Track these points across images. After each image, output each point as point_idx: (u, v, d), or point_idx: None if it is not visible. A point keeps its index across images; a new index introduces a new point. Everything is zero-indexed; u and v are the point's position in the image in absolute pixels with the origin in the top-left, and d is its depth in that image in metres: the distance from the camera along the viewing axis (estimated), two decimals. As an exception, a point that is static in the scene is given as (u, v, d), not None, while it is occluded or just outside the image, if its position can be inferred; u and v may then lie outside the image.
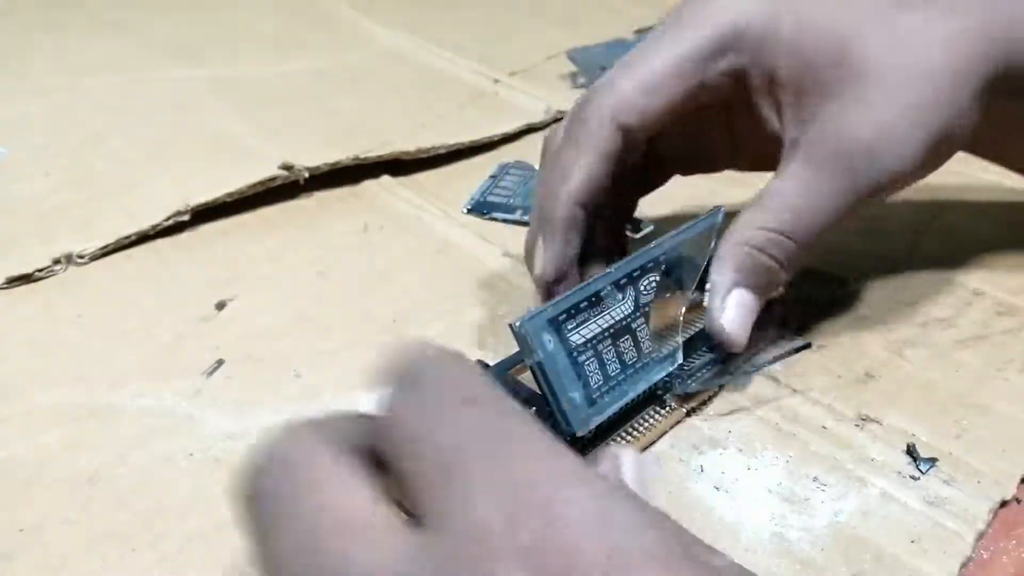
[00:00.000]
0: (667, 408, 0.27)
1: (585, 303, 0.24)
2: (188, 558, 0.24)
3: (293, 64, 0.58)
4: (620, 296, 0.25)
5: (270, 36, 0.63)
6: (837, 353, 0.31)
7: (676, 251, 0.27)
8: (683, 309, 0.28)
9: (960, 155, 0.46)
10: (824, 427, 0.28)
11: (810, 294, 0.33)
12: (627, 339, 0.25)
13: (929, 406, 0.29)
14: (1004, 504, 0.25)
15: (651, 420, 0.27)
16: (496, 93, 0.53)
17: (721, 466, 0.27)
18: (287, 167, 0.41)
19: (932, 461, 0.26)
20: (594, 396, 0.24)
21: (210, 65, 0.57)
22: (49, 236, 0.38)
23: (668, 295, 0.28)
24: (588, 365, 0.24)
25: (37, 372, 0.31)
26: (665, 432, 0.27)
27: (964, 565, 0.24)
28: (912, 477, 0.26)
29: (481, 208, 0.41)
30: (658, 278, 0.27)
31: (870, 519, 0.25)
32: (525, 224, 0.40)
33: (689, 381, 0.28)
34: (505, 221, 0.40)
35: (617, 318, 0.25)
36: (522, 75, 0.56)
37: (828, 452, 0.27)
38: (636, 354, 0.26)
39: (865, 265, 0.37)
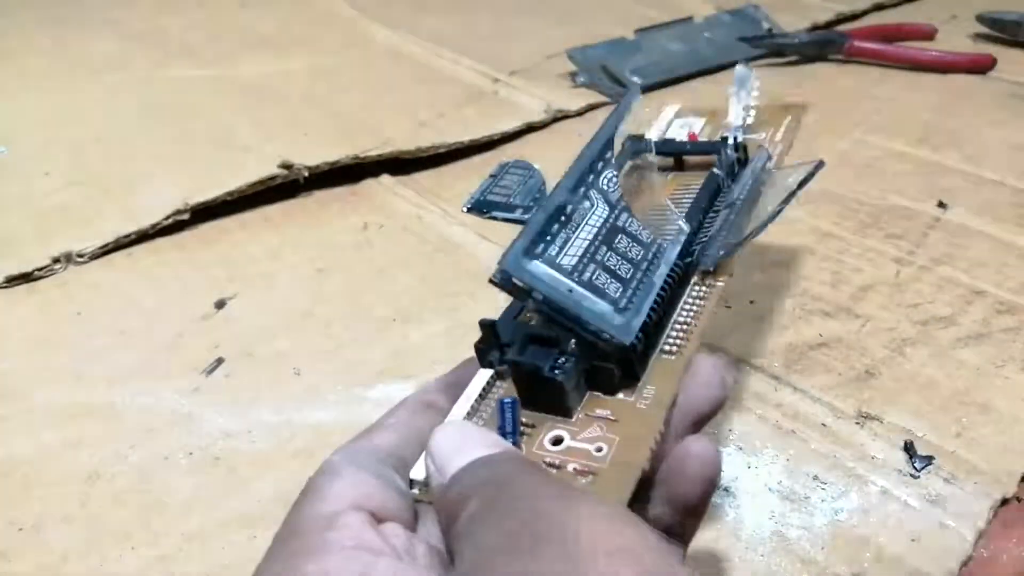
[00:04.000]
0: (703, 288, 0.23)
1: (555, 224, 0.21)
2: (187, 556, 0.24)
3: (293, 64, 0.58)
4: (588, 204, 0.22)
5: (270, 36, 0.63)
6: (838, 351, 0.31)
7: (613, 136, 0.24)
8: (661, 185, 0.26)
9: (960, 154, 0.46)
10: (824, 425, 0.28)
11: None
12: (621, 238, 0.22)
13: (929, 404, 0.29)
14: (1004, 502, 0.25)
15: (693, 309, 0.23)
16: (496, 92, 0.53)
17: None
18: (287, 166, 0.41)
19: (929, 459, 0.26)
20: (621, 303, 0.21)
21: (210, 65, 0.57)
22: (49, 235, 0.38)
23: (637, 178, 0.26)
24: (596, 278, 0.21)
25: (37, 371, 0.31)
26: (713, 314, 0.23)
27: (964, 564, 0.23)
28: (912, 475, 0.26)
29: (481, 207, 0.41)
30: (615, 171, 0.24)
31: (870, 517, 0.25)
32: (524, 223, 0.40)
33: (715, 251, 0.24)
34: (505, 220, 0.40)
35: (598, 224, 0.22)
36: (522, 75, 0.56)
37: (828, 450, 0.27)
38: (640, 247, 0.23)
39: (867, 263, 0.37)
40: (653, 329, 0.21)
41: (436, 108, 0.50)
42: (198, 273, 0.36)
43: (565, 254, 0.21)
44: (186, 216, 0.39)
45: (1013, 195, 0.42)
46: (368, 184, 0.43)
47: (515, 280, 0.20)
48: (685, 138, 0.30)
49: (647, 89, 0.55)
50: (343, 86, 0.54)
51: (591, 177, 0.23)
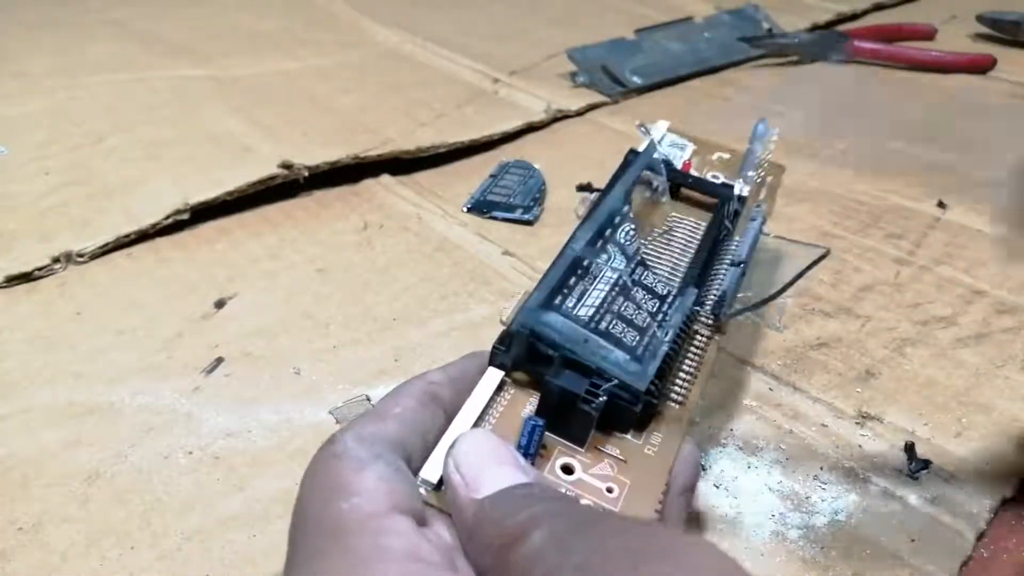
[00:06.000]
0: (705, 339, 0.24)
1: (573, 277, 0.22)
2: (187, 556, 0.24)
3: (293, 63, 0.58)
4: (605, 256, 0.23)
5: (270, 36, 0.63)
6: (838, 351, 0.31)
7: (631, 190, 0.25)
8: (666, 211, 0.27)
9: (960, 154, 0.46)
10: (824, 425, 0.28)
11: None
12: (637, 290, 0.23)
13: (930, 404, 0.29)
14: (1004, 502, 0.25)
15: (698, 358, 0.24)
16: (496, 92, 0.53)
17: (722, 464, 0.27)
18: (287, 166, 0.41)
19: (926, 464, 0.26)
20: (638, 351, 0.21)
21: (210, 65, 0.57)
22: (49, 235, 0.38)
23: (643, 197, 0.27)
24: (613, 327, 0.21)
25: (36, 370, 0.31)
26: (713, 365, 0.24)
27: (965, 564, 0.24)
28: (912, 476, 0.26)
29: (481, 207, 0.41)
30: (633, 225, 0.24)
31: (871, 517, 0.25)
32: (524, 223, 0.40)
33: (726, 309, 0.24)
34: (505, 220, 0.40)
35: (615, 277, 0.23)
36: (522, 74, 0.56)
37: (828, 450, 0.27)
38: (656, 299, 0.23)
39: (867, 263, 0.37)
40: (666, 376, 0.22)
41: (436, 108, 0.50)
42: (198, 273, 0.36)
43: (582, 305, 0.21)
44: (186, 216, 0.39)
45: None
46: (368, 184, 0.43)
47: (533, 333, 0.20)
48: (678, 164, 0.30)
49: (647, 89, 0.55)
50: (343, 86, 0.54)
51: (609, 231, 0.24)
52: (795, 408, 0.29)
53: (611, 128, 0.50)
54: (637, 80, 0.55)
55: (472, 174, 0.44)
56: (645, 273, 0.23)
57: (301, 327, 0.33)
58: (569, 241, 0.23)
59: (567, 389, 0.20)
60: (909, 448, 0.27)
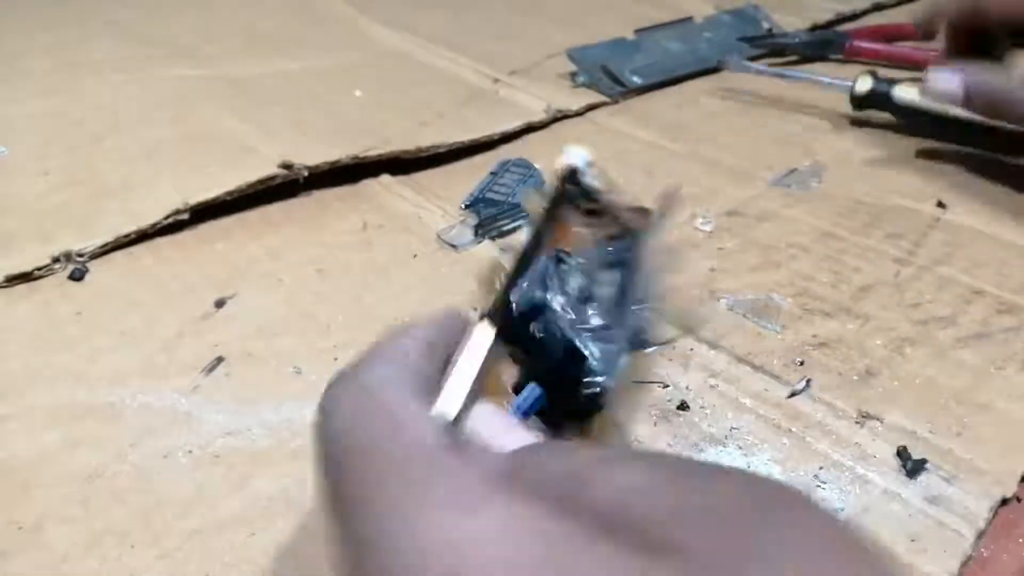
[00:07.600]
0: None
1: (545, 278, 0.24)
2: (187, 555, 0.24)
3: (293, 63, 0.58)
4: (566, 267, 0.26)
5: (270, 35, 0.63)
6: (838, 351, 0.31)
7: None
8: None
9: (960, 153, 0.46)
10: (824, 424, 0.28)
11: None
12: (592, 303, 0.26)
13: (930, 404, 0.29)
14: (1005, 502, 0.25)
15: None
16: (496, 92, 0.53)
17: (721, 464, 0.27)
18: (287, 166, 0.41)
19: (922, 463, 0.26)
20: (605, 342, 0.24)
21: (210, 65, 0.57)
22: (49, 235, 0.38)
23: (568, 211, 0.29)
24: (589, 317, 0.24)
25: (37, 371, 0.31)
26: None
27: (965, 563, 0.24)
28: (909, 477, 0.26)
29: (479, 204, 0.41)
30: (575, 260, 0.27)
31: (870, 517, 0.25)
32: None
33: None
34: (505, 219, 0.40)
35: (576, 285, 0.25)
36: (522, 74, 0.56)
37: (828, 450, 0.27)
38: (608, 308, 0.26)
39: (867, 263, 0.37)
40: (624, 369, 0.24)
41: (436, 108, 0.50)
42: (198, 273, 0.36)
43: (555, 300, 0.24)
44: (186, 216, 0.39)
45: (1013, 195, 0.42)
46: (368, 184, 0.43)
47: (535, 303, 0.23)
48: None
49: (647, 89, 0.55)
50: (343, 86, 0.54)
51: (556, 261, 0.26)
52: (795, 407, 0.29)
53: (611, 128, 0.50)
54: (637, 80, 0.55)
55: (472, 174, 0.44)
56: (600, 295, 0.26)
57: (301, 327, 0.33)
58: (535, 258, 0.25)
59: (575, 374, 0.22)
60: (902, 451, 0.27)
